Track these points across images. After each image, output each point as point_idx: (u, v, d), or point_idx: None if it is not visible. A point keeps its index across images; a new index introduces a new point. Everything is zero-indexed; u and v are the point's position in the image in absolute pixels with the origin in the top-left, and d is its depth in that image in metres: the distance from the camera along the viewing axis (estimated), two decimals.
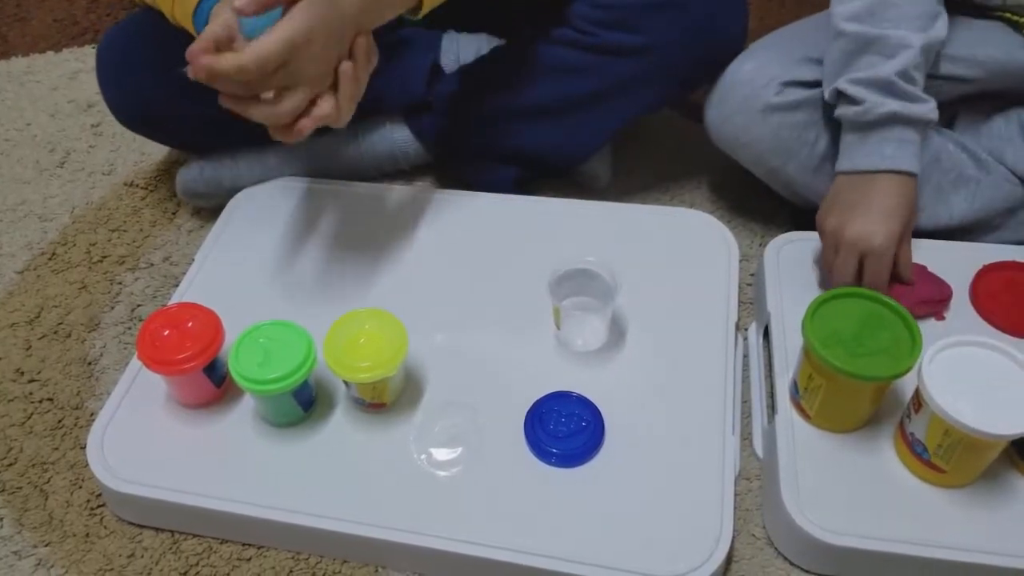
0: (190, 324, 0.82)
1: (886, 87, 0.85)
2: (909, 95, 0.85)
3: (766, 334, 0.91)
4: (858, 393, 0.77)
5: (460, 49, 1.09)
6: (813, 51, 0.97)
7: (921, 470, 0.76)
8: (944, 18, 0.88)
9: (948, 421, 0.70)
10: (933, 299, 0.89)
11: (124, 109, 1.08)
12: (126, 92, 1.05)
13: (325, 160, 1.12)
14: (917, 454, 0.75)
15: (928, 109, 0.86)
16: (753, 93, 0.96)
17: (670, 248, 0.99)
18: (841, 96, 0.89)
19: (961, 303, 0.90)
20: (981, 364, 0.74)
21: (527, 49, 1.02)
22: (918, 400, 0.74)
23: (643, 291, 0.92)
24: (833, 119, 0.93)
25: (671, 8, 0.96)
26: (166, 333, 0.81)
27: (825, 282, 0.92)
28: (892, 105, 0.85)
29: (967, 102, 1.00)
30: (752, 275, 1.02)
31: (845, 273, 0.86)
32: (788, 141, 0.96)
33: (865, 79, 0.86)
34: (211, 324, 0.82)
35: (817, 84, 0.95)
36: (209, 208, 1.13)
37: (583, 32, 1.00)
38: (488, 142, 1.07)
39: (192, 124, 1.07)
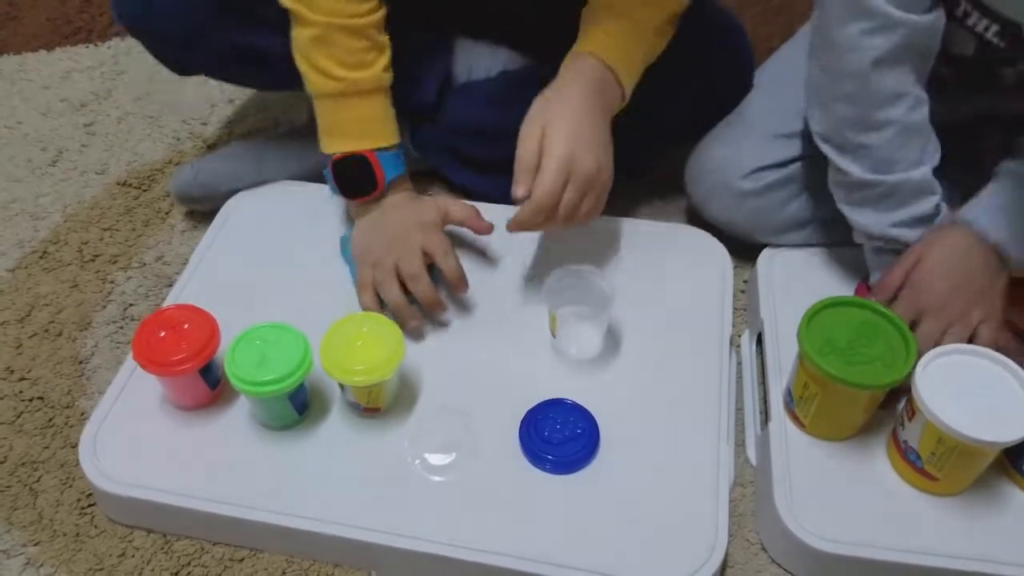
0: (186, 326, 0.81)
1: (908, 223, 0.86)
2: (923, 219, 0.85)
3: (759, 341, 0.92)
4: (853, 401, 0.77)
5: (473, 59, 1.09)
6: (783, 125, 0.99)
7: (914, 478, 0.77)
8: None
9: (942, 429, 0.71)
10: None
11: (151, 30, 1.01)
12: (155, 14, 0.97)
13: (321, 164, 1.11)
14: (910, 462, 0.76)
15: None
16: (724, 182, 0.99)
17: (666, 263, 1.00)
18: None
19: None
20: (973, 372, 0.75)
21: (538, 74, 0.99)
22: (911, 408, 0.74)
23: (639, 303, 0.92)
24: (808, 186, 0.96)
25: (687, 63, 0.98)
26: (162, 334, 0.81)
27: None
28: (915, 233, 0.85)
29: None
30: (745, 281, 1.03)
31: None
32: (766, 218, 0.99)
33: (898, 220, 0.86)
34: (207, 326, 0.82)
35: (790, 161, 0.97)
36: (203, 211, 1.13)
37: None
38: (487, 155, 1.06)
39: (224, 49, 1.00)
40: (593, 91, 0.88)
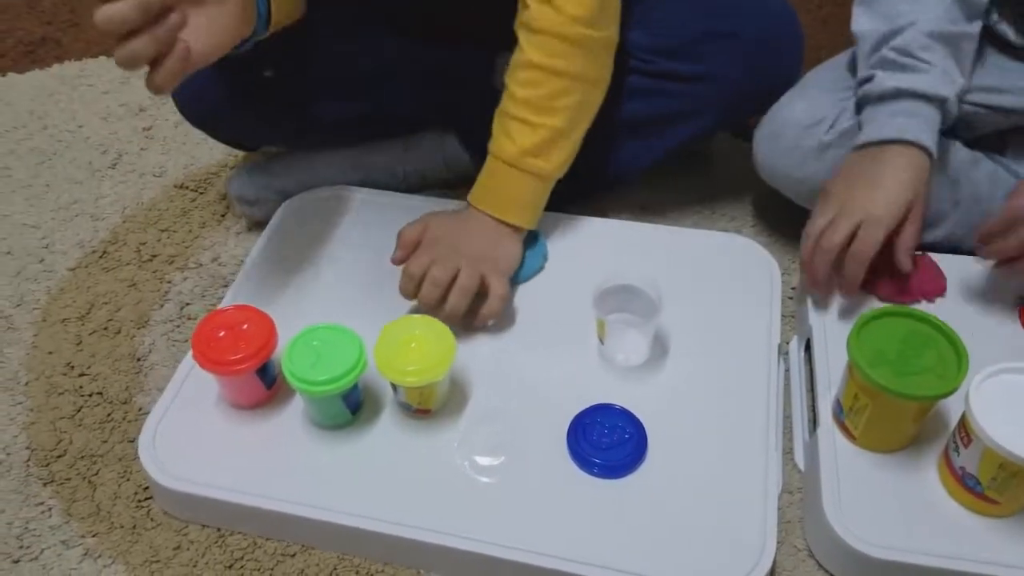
0: (245, 326, 0.83)
1: (887, 63, 0.89)
2: (907, 67, 0.88)
3: (807, 347, 0.91)
4: (905, 413, 0.77)
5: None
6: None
7: (972, 502, 0.75)
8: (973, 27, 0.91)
9: (1004, 455, 0.69)
10: (920, 290, 0.92)
11: (190, 107, 1.09)
12: (194, 91, 1.04)
13: (372, 169, 1.13)
14: (969, 488, 0.74)
15: (930, 81, 0.87)
16: (806, 132, 0.97)
17: (714, 271, 1.00)
18: (862, 82, 0.93)
19: (1009, 323, 0.91)
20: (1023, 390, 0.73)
21: None
22: (966, 434, 0.73)
23: (686, 311, 0.93)
24: None
25: (729, 39, 0.98)
26: (221, 334, 0.82)
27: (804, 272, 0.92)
28: (894, 80, 0.88)
29: (1017, 130, 0.99)
30: (793, 288, 1.03)
31: (832, 240, 0.86)
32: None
33: (875, 60, 0.90)
34: (265, 327, 0.83)
35: None
36: (258, 216, 1.14)
37: (642, 60, 1.02)
38: None
39: (255, 123, 1.09)
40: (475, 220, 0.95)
